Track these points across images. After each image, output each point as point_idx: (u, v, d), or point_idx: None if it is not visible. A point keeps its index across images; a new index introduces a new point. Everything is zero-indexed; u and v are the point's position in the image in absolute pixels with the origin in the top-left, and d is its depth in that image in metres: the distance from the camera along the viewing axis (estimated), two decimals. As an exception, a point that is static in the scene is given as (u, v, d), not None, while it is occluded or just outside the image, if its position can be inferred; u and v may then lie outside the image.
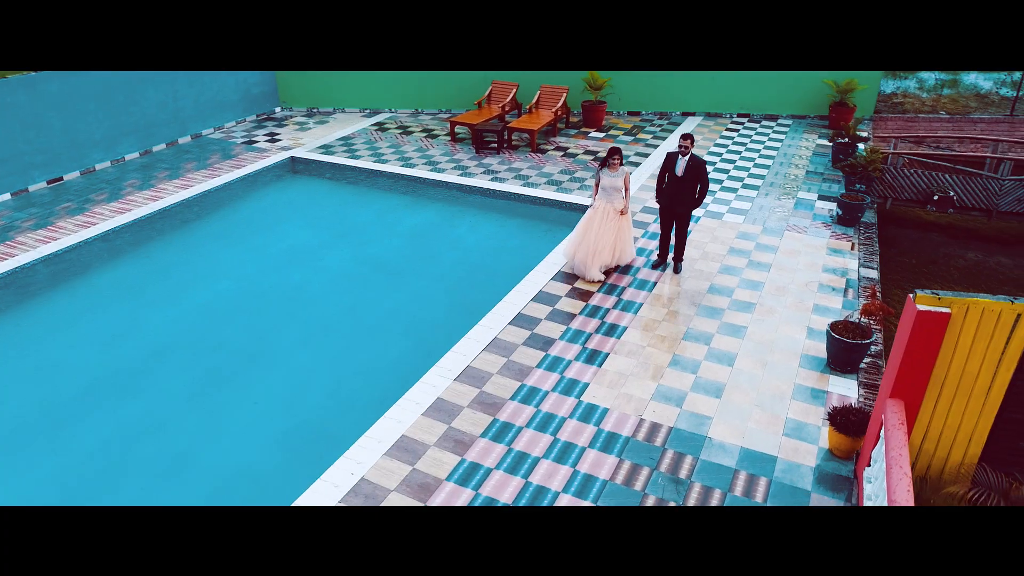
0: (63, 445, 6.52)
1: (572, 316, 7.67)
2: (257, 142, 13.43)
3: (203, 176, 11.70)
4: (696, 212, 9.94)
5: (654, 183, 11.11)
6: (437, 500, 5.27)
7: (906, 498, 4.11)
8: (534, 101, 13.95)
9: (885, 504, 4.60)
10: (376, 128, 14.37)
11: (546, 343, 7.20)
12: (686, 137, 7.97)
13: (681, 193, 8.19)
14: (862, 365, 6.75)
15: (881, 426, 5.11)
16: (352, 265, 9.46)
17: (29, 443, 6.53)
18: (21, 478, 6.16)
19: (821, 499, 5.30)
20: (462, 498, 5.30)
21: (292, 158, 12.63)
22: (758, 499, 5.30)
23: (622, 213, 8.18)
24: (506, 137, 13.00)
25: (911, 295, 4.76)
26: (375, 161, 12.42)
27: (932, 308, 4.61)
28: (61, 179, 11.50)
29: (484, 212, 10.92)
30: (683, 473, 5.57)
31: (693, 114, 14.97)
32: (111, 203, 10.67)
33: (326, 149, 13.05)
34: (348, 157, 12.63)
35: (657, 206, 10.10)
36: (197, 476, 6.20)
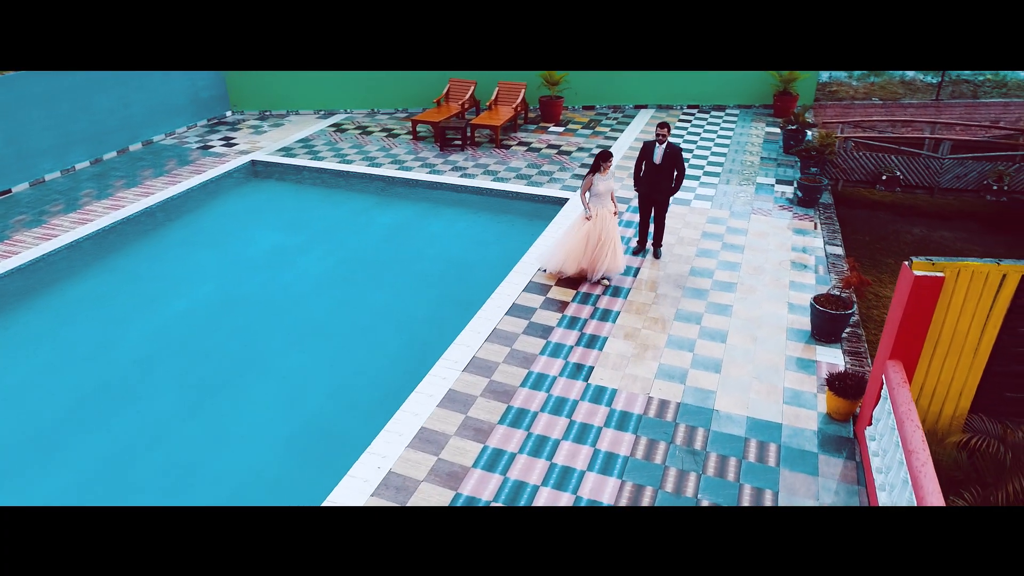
0: (60, 466, 6.28)
1: (565, 304, 7.86)
2: (213, 147, 13.09)
3: (163, 183, 11.35)
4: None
5: (621, 175, 11.46)
6: (468, 487, 5.37)
7: (921, 447, 4.47)
8: (493, 98, 14.08)
9: (894, 458, 4.97)
10: (334, 129, 14.21)
11: (545, 330, 7.37)
12: (663, 126, 8.26)
13: (659, 180, 8.49)
14: (844, 334, 7.19)
15: (881, 387, 5.49)
16: (332, 266, 9.38)
17: (23, 468, 6.26)
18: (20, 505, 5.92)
19: (827, 459, 5.66)
20: (492, 483, 5.41)
21: (253, 162, 12.38)
22: (771, 463, 5.62)
23: (615, 213, 8.31)
24: (469, 134, 13.09)
25: (906, 262, 5.15)
26: (340, 162, 12.31)
27: (928, 273, 5.01)
28: (10, 191, 10.94)
29: (457, 208, 11.00)
30: (698, 444, 5.84)
31: (645, 106, 15.41)
32: (69, 214, 10.24)
33: (287, 152, 12.84)
34: (311, 159, 12.46)
35: (631, 194, 10.46)
36: (209, 486, 6.10)
